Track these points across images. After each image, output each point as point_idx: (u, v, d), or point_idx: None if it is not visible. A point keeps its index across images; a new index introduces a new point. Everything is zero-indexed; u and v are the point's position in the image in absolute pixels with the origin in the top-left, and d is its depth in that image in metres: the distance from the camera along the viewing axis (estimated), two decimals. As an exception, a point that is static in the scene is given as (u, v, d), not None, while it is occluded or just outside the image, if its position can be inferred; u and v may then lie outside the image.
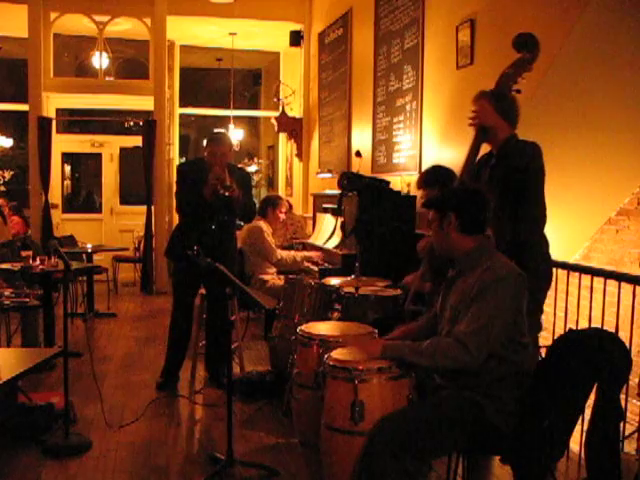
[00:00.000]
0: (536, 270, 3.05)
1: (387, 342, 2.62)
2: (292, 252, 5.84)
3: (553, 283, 3.72)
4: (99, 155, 9.86)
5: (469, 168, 2.99)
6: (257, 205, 5.36)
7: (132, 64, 10.43)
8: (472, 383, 2.42)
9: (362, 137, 6.71)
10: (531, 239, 3.01)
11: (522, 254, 2.91)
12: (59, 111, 9.24)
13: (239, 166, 5.10)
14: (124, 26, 8.80)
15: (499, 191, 2.89)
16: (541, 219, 3.04)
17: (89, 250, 7.24)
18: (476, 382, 2.41)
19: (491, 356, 2.38)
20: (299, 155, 8.90)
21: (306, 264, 5.60)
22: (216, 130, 4.50)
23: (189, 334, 4.64)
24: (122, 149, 9.85)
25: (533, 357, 2.64)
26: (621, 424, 2.70)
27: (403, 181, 5.50)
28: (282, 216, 5.98)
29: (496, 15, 4.37)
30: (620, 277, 3.23)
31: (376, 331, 3.28)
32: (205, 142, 4.57)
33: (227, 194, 4.17)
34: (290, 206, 7.56)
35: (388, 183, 5.26)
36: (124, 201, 10.07)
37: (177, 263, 4.70)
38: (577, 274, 3.47)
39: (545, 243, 3.06)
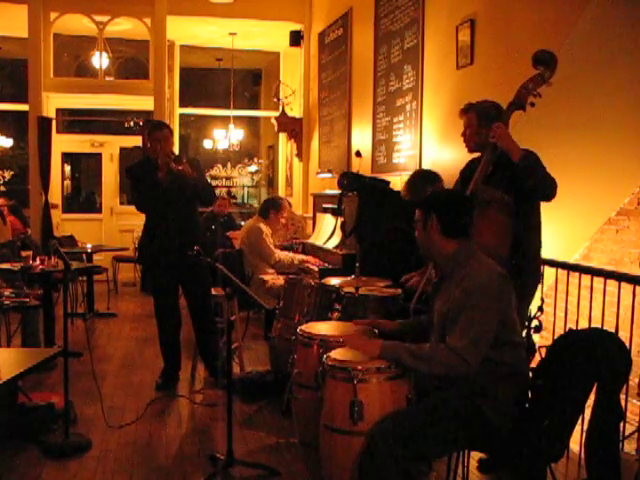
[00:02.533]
0: (534, 269, 3.09)
1: (385, 342, 2.62)
2: (290, 254, 5.84)
3: (553, 283, 3.74)
4: (99, 155, 9.86)
5: (482, 179, 3.02)
6: (256, 205, 5.40)
7: (132, 64, 10.43)
8: (469, 384, 2.43)
9: (362, 137, 6.70)
10: (533, 240, 3.07)
11: (525, 253, 2.97)
12: (59, 111, 9.24)
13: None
14: (124, 26, 8.80)
15: (512, 194, 2.95)
16: (539, 221, 3.12)
17: (89, 250, 7.24)
18: (473, 383, 2.42)
19: (485, 359, 2.39)
20: (299, 155, 8.90)
21: (304, 265, 5.62)
22: (156, 120, 4.61)
23: (177, 337, 4.65)
24: (122, 149, 9.85)
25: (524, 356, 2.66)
26: (621, 424, 2.70)
27: (403, 181, 5.49)
28: (283, 221, 6.03)
29: (496, 15, 4.37)
30: (620, 277, 3.23)
31: (376, 331, 3.27)
32: (147, 133, 4.62)
33: (180, 168, 4.26)
34: (289, 204, 7.56)
35: (388, 183, 5.26)
36: (124, 201, 10.09)
37: (148, 266, 4.70)
38: (577, 274, 3.47)
39: (540, 244, 3.13)
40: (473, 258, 2.53)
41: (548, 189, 2.91)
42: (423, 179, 4.10)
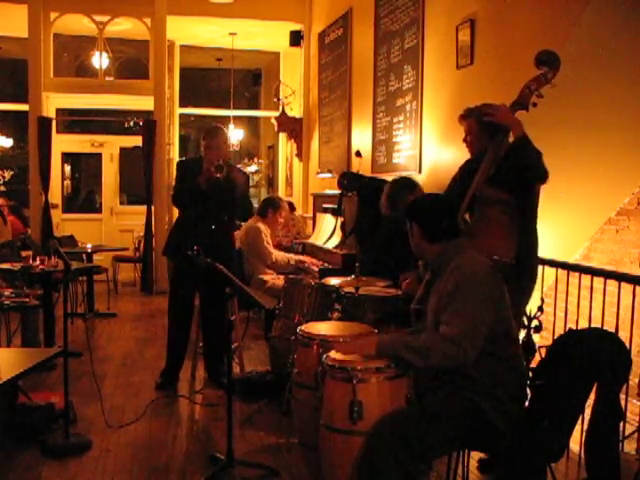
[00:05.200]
0: (531, 269, 3.09)
1: (381, 339, 2.62)
2: (286, 255, 5.86)
3: (553, 283, 3.74)
4: (99, 155, 9.87)
5: (485, 179, 3.01)
6: (255, 205, 5.38)
7: (132, 64, 10.43)
8: (469, 383, 2.43)
9: (362, 137, 6.71)
10: (530, 239, 3.07)
11: (523, 253, 2.97)
12: (59, 111, 9.24)
13: (238, 166, 5.15)
14: (124, 26, 8.80)
15: (513, 188, 2.95)
16: (536, 221, 3.13)
17: (89, 250, 7.25)
18: (473, 382, 2.42)
19: (483, 354, 2.39)
20: (299, 155, 8.90)
21: (301, 265, 5.63)
22: (214, 124, 4.60)
23: (187, 334, 4.64)
24: (122, 149, 9.86)
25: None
26: (621, 424, 2.70)
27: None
28: (282, 220, 6.03)
29: (496, 15, 4.37)
30: (620, 277, 3.23)
31: (376, 331, 3.28)
32: (202, 137, 4.62)
33: (219, 175, 4.26)
34: (293, 207, 7.57)
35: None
36: (124, 201, 10.10)
37: (175, 262, 4.70)
38: (577, 274, 3.47)
39: (537, 243, 3.13)
40: (462, 253, 2.55)
41: (539, 170, 2.92)
42: (402, 187, 3.97)
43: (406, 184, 4.04)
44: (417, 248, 2.67)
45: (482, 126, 3.14)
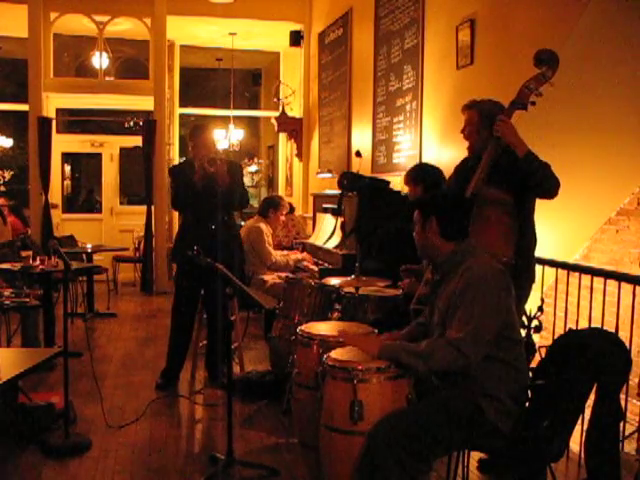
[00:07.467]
0: (529, 268, 3.09)
1: (385, 342, 2.63)
2: (285, 256, 5.86)
3: (553, 283, 3.74)
4: (99, 155, 9.86)
5: (483, 175, 3.01)
6: (255, 205, 5.38)
7: (132, 64, 10.43)
8: (470, 384, 2.43)
9: (362, 137, 6.71)
10: (529, 239, 3.08)
11: (520, 253, 2.97)
12: (59, 111, 9.24)
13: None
14: (124, 26, 8.80)
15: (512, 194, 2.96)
16: (533, 221, 3.12)
17: (89, 250, 7.25)
18: (474, 383, 2.42)
19: (486, 356, 2.39)
20: (299, 155, 8.90)
21: (300, 264, 5.64)
22: (197, 123, 4.60)
23: (190, 337, 4.65)
24: (122, 149, 9.85)
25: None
26: (621, 424, 2.70)
27: (403, 181, 5.49)
28: (282, 218, 6.05)
29: (496, 15, 4.37)
30: (620, 277, 3.23)
31: (376, 331, 3.28)
32: (188, 136, 4.64)
33: (212, 170, 4.29)
34: (293, 208, 7.57)
35: (388, 183, 5.26)
36: (124, 201, 10.10)
37: (180, 265, 4.71)
38: (577, 274, 3.48)
39: (535, 242, 3.12)
40: (472, 255, 2.53)
41: (551, 186, 2.92)
42: (427, 174, 3.96)
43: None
44: (428, 244, 2.59)
45: (483, 120, 3.12)
